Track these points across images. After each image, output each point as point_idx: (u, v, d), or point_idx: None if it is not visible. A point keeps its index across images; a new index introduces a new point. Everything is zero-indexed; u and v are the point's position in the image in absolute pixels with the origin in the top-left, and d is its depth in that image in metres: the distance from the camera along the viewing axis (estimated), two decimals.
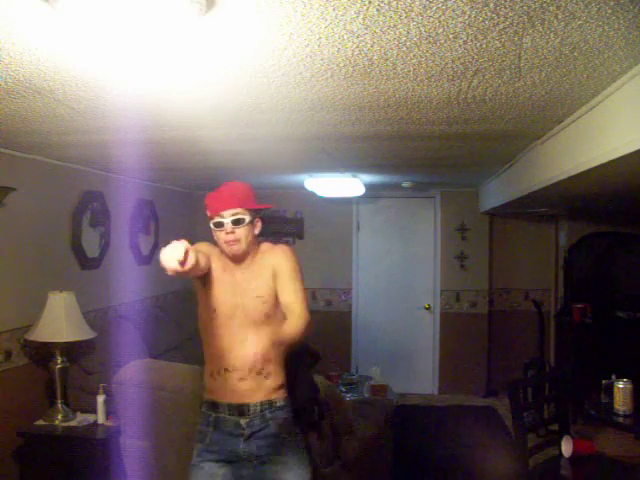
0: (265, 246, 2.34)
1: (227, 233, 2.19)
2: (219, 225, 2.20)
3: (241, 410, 2.23)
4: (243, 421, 2.23)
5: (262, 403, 2.24)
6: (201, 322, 2.31)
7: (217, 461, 2.24)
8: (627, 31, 1.55)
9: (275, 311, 2.27)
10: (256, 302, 2.23)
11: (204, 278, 2.24)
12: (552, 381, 4.22)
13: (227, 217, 2.18)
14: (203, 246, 2.28)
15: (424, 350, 6.62)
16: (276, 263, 2.27)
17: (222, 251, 2.28)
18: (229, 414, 2.24)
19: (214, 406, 2.27)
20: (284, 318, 2.28)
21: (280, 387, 2.29)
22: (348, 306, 6.65)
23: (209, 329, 2.27)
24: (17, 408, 3.52)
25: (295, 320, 2.26)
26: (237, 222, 2.19)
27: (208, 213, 2.24)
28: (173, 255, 1.77)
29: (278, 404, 2.27)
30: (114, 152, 3.64)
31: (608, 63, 1.83)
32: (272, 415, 2.25)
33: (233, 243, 2.19)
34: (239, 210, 2.19)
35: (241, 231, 2.19)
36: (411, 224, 6.69)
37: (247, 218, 2.21)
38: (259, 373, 2.23)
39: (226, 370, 2.23)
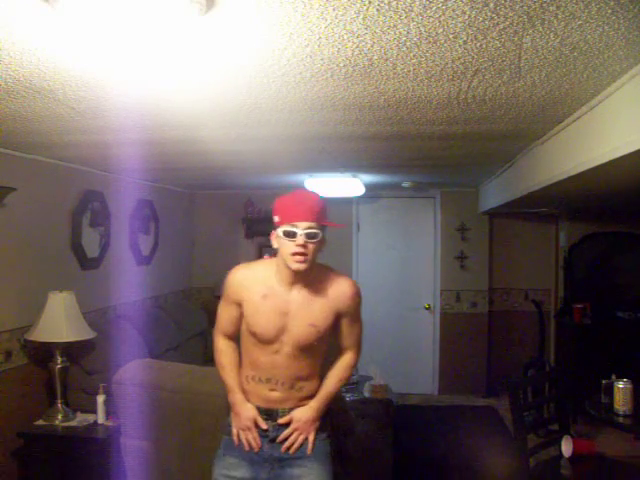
0: (328, 272, 2.23)
1: (298, 245, 2.03)
2: (291, 235, 2.03)
3: (269, 413, 2.23)
4: (270, 424, 2.23)
5: (290, 408, 2.24)
6: (242, 332, 2.27)
7: (239, 457, 2.25)
8: (627, 31, 1.55)
9: (325, 340, 2.22)
10: (308, 330, 2.15)
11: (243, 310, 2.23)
12: (552, 381, 4.23)
13: (302, 229, 2.03)
14: (232, 286, 2.23)
15: (424, 350, 6.62)
16: (344, 303, 2.19)
17: (266, 269, 2.21)
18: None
19: None
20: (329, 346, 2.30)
21: (312, 396, 2.27)
22: None
23: (249, 345, 2.24)
24: (17, 408, 3.52)
25: (350, 366, 2.34)
26: (311, 236, 2.04)
27: (277, 219, 2.08)
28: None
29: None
30: (114, 152, 3.64)
31: (608, 63, 1.82)
32: None
33: (301, 257, 2.05)
34: (314, 224, 2.04)
35: (312, 247, 2.06)
36: (411, 224, 6.68)
37: (320, 234, 2.07)
38: (291, 387, 2.22)
39: (260, 380, 2.22)
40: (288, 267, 2.09)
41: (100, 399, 3.51)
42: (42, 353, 3.63)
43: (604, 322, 5.33)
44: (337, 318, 2.21)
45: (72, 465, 3.35)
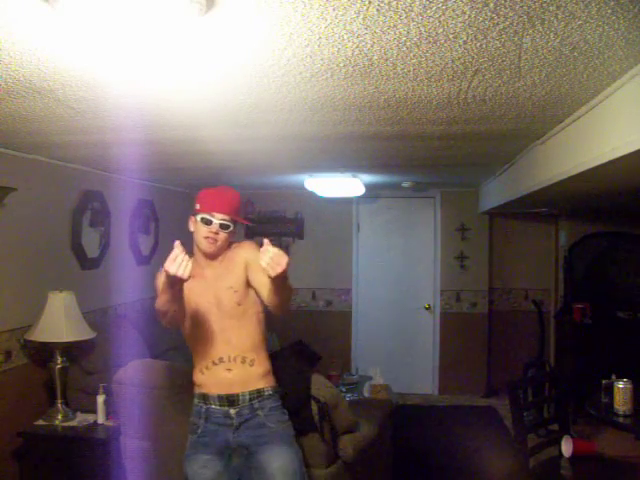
0: (233, 244, 2.48)
1: (210, 231, 2.33)
2: (207, 222, 2.33)
3: (230, 400, 2.35)
4: (232, 411, 2.35)
5: (250, 392, 2.36)
6: (184, 327, 2.44)
7: (209, 452, 2.34)
8: (627, 31, 1.55)
9: (247, 300, 2.40)
10: (229, 293, 2.37)
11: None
12: (552, 381, 4.22)
13: (217, 219, 2.33)
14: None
15: (424, 350, 6.62)
16: (247, 255, 2.40)
17: (192, 251, 2.38)
18: (219, 405, 2.36)
19: (204, 398, 2.39)
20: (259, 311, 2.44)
21: (266, 374, 2.42)
22: (348, 306, 6.65)
23: (191, 330, 2.41)
24: (17, 408, 3.52)
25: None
26: (224, 227, 2.35)
27: (198, 206, 2.36)
28: (182, 270, 2.00)
29: (266, 393, 2.39)
30: (114, 152, 3.64)
31: (608, 63, 1.82)
32: (260, 404, 2.36)
33: (212, 242, 2.34)
34: (228, 217, 2.35)
35: (223, 235, 2.36)
36: (411, 224, 6.69)
37: (232, 227, 2.37)
38: (243, 361, 2.36)
39: (213, 363, 2.36)
40: (201, 249, 2.39)
41: (100, 399, 3.50)
42: (42, 353, 3.63)
43: (604, 322, 5.33)
44: (248, 271, 2.37)
45: (72, 465, 3.35)
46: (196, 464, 2.36)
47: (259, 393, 2.37)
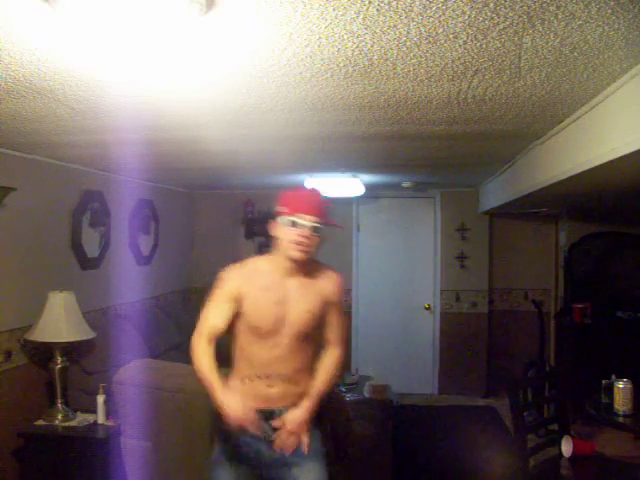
0: (317, 264, 2.34)
1: (302, 235, 2.15)
2: (295, 225, 2.15)
3: (267, 415, 2.24)
4: (268, 426, 2.24)
5: (287, 408, 2.26)
6: (238, 329, 2.28)
7: (239, 462, 2.27)
8: (627, 31, 1.55)
9: (317, 331, 2.31)
10: (306, 317, 2.23)
11: (241, 304, 2.24)
12: (552, 381, 4.22)
13: (308, 222, 2.15)
14: (230, 281, 2.27)
15: (424, 350, 6.62)
16: (331, 290, 2.30)
17: (262, 263, 2.28)
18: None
19: None
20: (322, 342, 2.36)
21: (307, 392, 2.31)
22: (348, 306, 6.64)
23: (246, 337, 2.26)
24: (17, 408, 3.52)
25: (338, 362, 2.38)
26: (315, 230, 2.17)
27: (284, 209, 2.18)
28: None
29: None
30: (114, 152, 3.64)
31: (608, 63, 1.82)
32: None
33: (303, 247, 2.16)
34: (320, 220, 2.17)
35: (315, 240, 2.19)
36: (411, 224, 6.68)
37: (322, 230, 2.19)
38: (289, 381, 2.25)
39: (257, 377, 2.24)
40: (287, 256, 2.19)
41: (100, 399, 3.50)
42: (42, 353, 3.63)
43: (604, 322, 5.33)
44: (325, 306, 2.29)
45: (72, 465, 3.35)
46: (224, 472, 2.28)
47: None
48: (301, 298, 2.23)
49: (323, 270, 2.34)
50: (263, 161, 4.18)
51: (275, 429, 2.24)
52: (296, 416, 2.24)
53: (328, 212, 2.22)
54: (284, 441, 2.22)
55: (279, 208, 2.20)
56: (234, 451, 2.27)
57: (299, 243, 2.15)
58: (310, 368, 2.33)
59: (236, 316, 2.26)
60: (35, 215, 3.76)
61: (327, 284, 2.30)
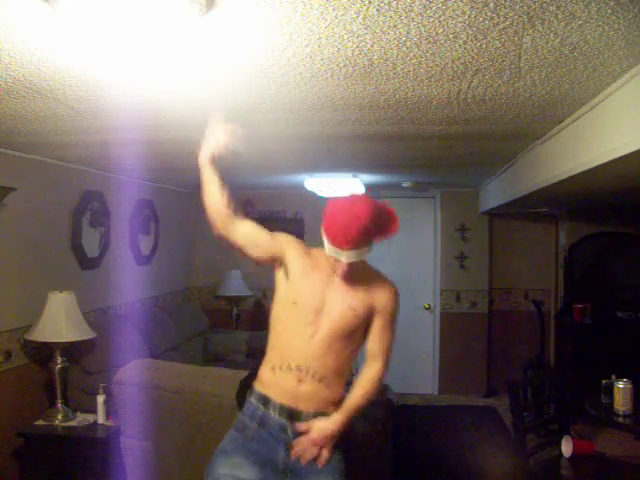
0: (375, 271, 2.24)
1: (340, 266, 2.03)
2: (336, 255, 2.01)
3: (291, 414, 2.07)
4: (290, 427, 2.07)
5: (315, 414, 2.09)
6: (276, 312, 2.17)
7: (252, 458, 2.07)
8: (627, 31, 1.55)
9: (358, 331, 2.16)
10: (347, 312, 2.10)
11: (286, 271, 2.13)
12: (552, 381, 4.22)
13: (346, 257, 1.99)
14: (282, 237, 2.18)
15: (424, 350, 6.62)
16: (382, 300, 2.16)
17: (317, 251, 2.16)
18: (278, 415, 2.08)
19: (265, 402, 2.10)
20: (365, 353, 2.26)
21: (337, 402, 2.15)
22: None
23: (283, 320, 2.13)
24: (17, 408, 3.52)
25: (377, 378, 2.27)
26: (354, 258, 2.00)
27: (324, 232, 2.04)
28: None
29: None
30: (114, 152, 3.64)
31: (608, 63, 1.83)
32: None
33: (342, 274, 2.06)
34: (358, 251, 1.99)
35: (357, 264, 2.04)
36: (411, 224, 6.67)
37: (367, 251, 2.03)
38: (320, 380, 2.09)
39: (288, 367, 2.08)
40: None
41: (100, 399, 3.51)
42: (42, 353, 3.63)
43: (604, 322, 5.33)
44: (372, 313, 2.15)
45: (72, 465, 3.35)
46: (231, 464, 2.08)
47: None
48: (347, 293, 2.10)
49: (380, 279, 2.22)
50: (263, 161, 4.18)
51: (298, 433, 2.06)
52: (325, 426, 2.08)
53: (371, 233, 1.99)
54: (304, 449, 2.06)
55: (323, 221, 2.04)
56: (248, 446, 2.09)
57: (339, 269, 2.04)
58: (344, 374, 2.19)
59: (276, 290, 2.16)
60: (35, 215, 3.76)
61: (380, 292, 2.16)
